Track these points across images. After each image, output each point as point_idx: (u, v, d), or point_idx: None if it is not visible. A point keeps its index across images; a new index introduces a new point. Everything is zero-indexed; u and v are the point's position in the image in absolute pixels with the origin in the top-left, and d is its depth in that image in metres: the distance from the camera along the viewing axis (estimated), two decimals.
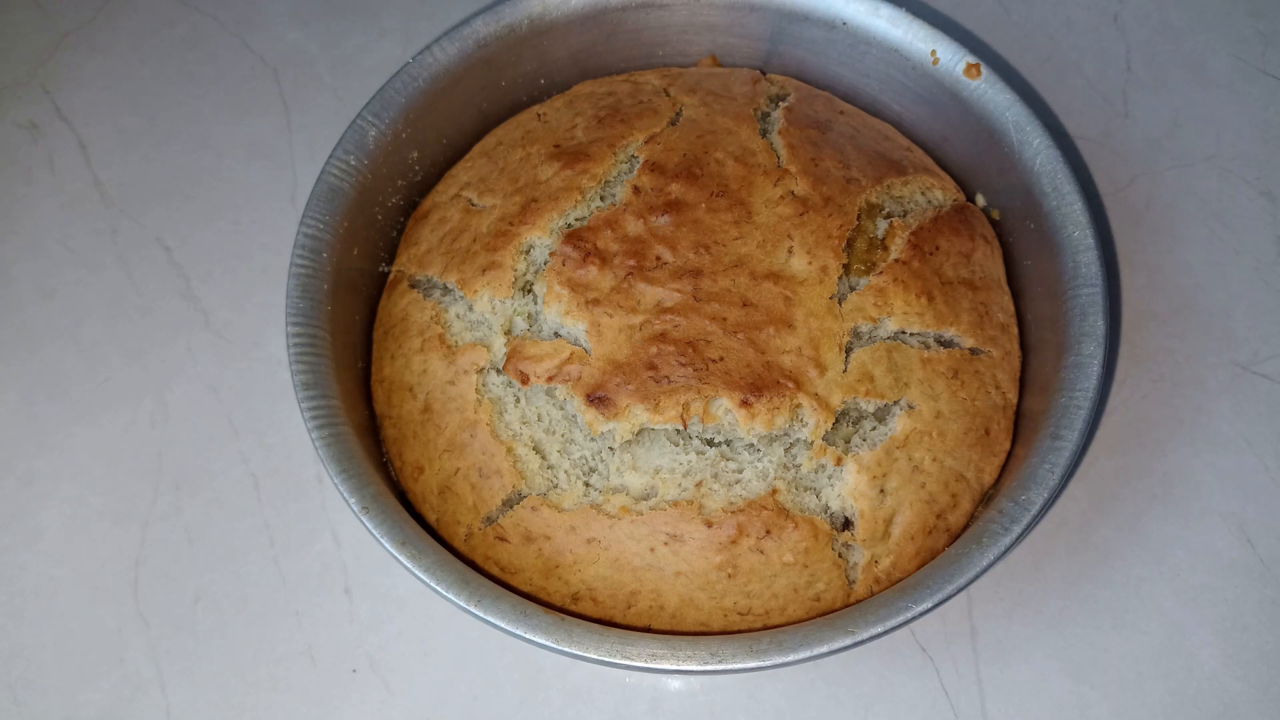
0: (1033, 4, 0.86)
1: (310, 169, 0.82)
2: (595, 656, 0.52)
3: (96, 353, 0.75)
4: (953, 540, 0.60)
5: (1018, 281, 0.67)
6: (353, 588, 0.67)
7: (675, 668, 0.52)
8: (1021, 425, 0.63)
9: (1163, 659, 0.64)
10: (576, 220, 0.62)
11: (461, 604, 0.53)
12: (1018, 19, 0.86)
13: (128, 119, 0.85)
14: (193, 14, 0.89)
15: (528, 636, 0.53)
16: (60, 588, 0.68)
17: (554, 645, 0.52)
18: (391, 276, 0.68)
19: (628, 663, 0.52)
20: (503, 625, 0.53)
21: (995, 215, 0.69)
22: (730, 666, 0.52)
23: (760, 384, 0.56)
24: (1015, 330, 0.65)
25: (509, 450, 0.59)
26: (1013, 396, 0.63)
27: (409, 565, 0.54)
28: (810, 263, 0.60)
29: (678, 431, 0.57)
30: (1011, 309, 0.66)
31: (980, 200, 0.70)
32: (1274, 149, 0.79)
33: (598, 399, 0.57)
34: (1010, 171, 0.65)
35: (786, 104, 0.68)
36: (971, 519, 0.61)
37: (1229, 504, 0.68)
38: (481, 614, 0.53)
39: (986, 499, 0.61)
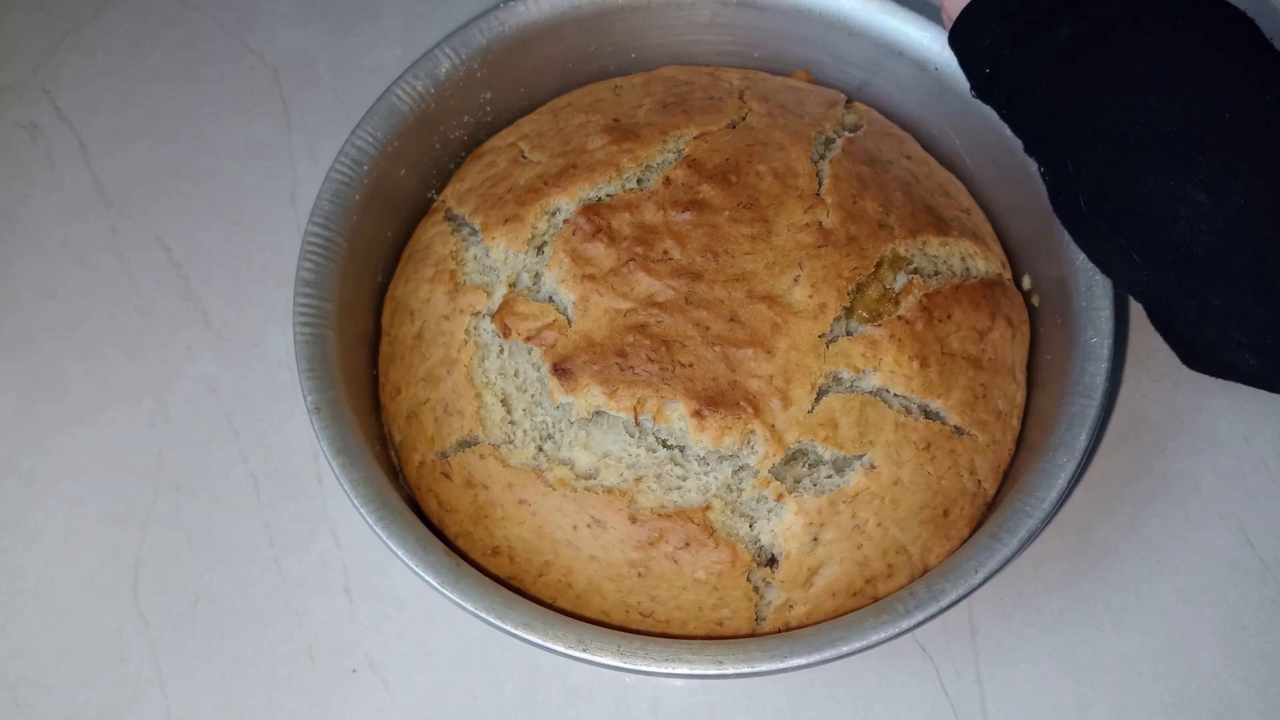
0: None
1: (310, 168, 0.82)
2: (471, 609, 0.53)
3: (96, 352, 0.75)
4: None
5: (1038, 374, 0.65)
6: (353, 588, 0.67)
7: (542, 643, 0.53)
8: (988, 516, 0.61)
9: (1163, 659, 0.64)
10: (606, 195, 0.62)
11: (370, 520, 0.55)
12: None
13: (127, 119, 0.85)
14: (192, 14, 0.89)
15: (417, 570, 0.54)
16: (60, 588, 0.68)
17: (439, 586, 0.54)
18: (434, 205, 0.70)
19: (499, 624, 0.53)
20: (399, 552, 0.55)
21: (1035, 302, 0.67)
22: (593, 658, 0.53)
23: (718, 400, 0.56)
24: (1015, 423, 0.63)
25: (478, 395, 0.60)
26: (989, 487, 0.61)
27: (337, 471, 0.56)
28: (811, 296, 0.59)
29: (638, 425, 0.57)
30: (1018, 400, 0.64)
31: (1026, 282, 0.68)
32: None
33: (562, 370, 0.58)
34: (1057, 263, 0.63)
35: (852, 135, 0.67)
36: None
37: (1229, 504, 0.68)
38: (385, 536, 0.55)
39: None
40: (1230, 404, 0.71)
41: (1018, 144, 0.62)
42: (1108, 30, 0.55)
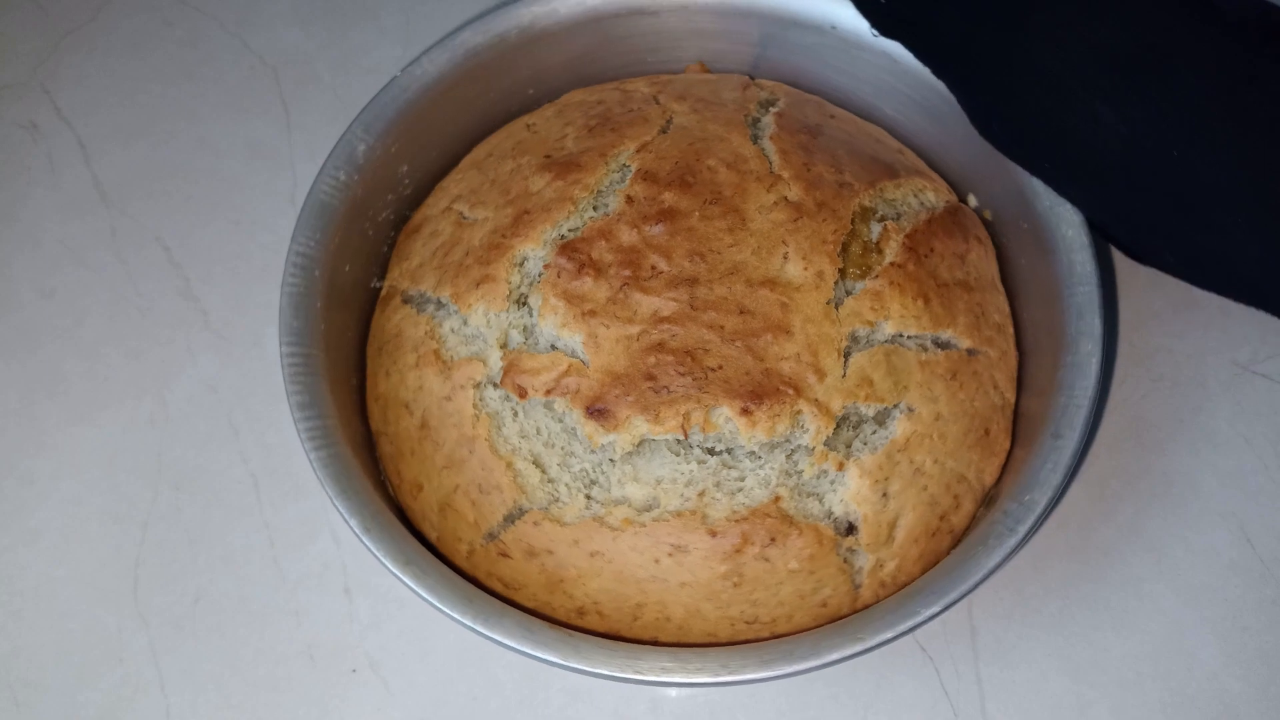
0: None
1: (310, 168, 0.82)
2: (605, 672, 0.52)
3: (96, 352, 0.75)
4: (956, 542, 0.60)
5: (1012, 282, 0.67)
6: (353, 588, 0.67)
7: (686, 680, 0.52)
8: (1020, 427, 0.63)
9: (1163, 659, 0.64)
10: (570, 231, 0.61)
11: (467, 622, 0.53)
12: None
13: (127, 118, 0.85)
14: (192, 14, 0.89)
15: (535, 654, 0.52)
16: (60, 588, 0.68)
17: (562, 662, 0.52)
18: (384, 292, 0.68)
19: (638, 677, 0.52)
20: (509, 643, 0.53)
21: (988, 216, 0.69)
22: (741, 677, 0.52)
23: (760, 392, 0.56)
24: (1011, 330, 0.66)
25: (509, 465, 0.58)
26: (1010, 396, 0.64)
27: (412, 585, 0.54)
28: (806, 268, 0.59)
29: (678, 441, 0.57)
30: (1006, 309, 0.66)
31: (972, 201, 0.70)
32: None
33: (597, 411, 0.56)
34: (1003, 174, 0.65)
35: (777, 109, 0.68)
36: (974, 520, 0.61)
37: (1229, 504, 0.68)
38: (487, 632, 0.53)
39: (988, 499, 0.61)
40: (1230, 404, 0.71)
41: (929, 76, 0.66)
42: None
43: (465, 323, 0.62)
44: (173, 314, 0.77)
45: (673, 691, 0.64)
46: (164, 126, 0.84)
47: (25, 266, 0.79)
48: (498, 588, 0.59)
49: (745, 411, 0.56)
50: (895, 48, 0.67)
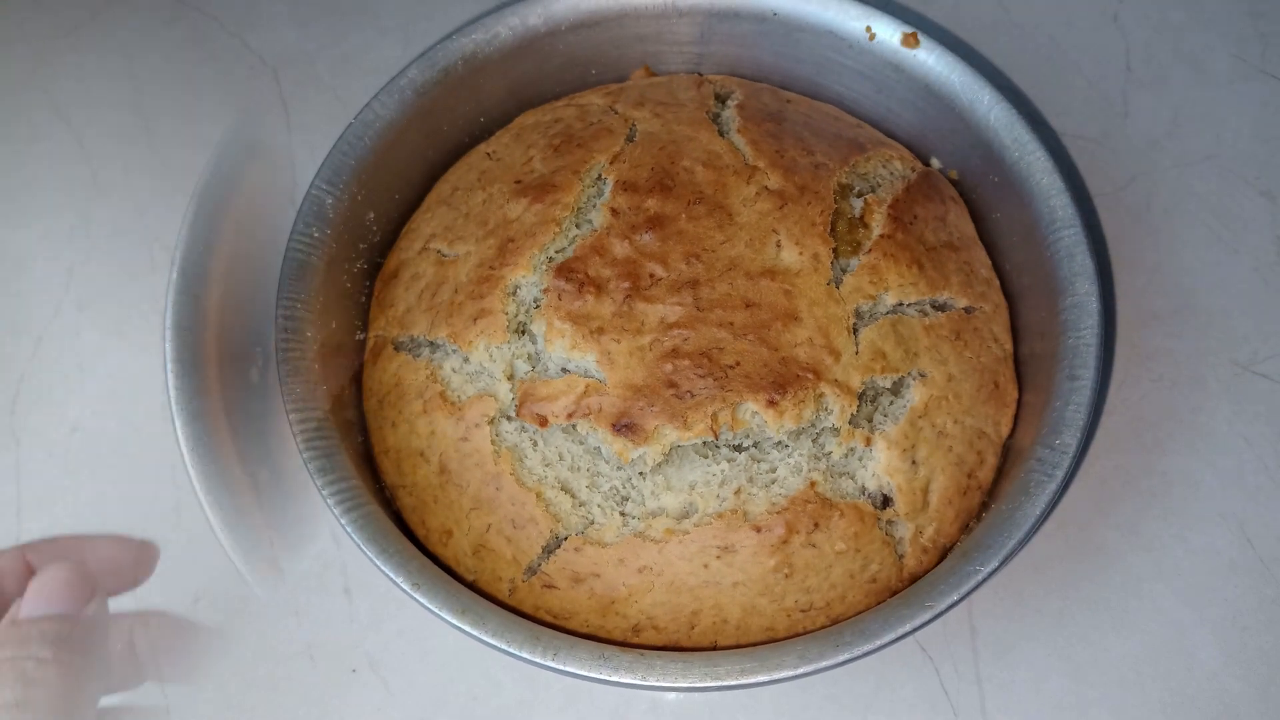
0: (1033, 3, 0.86)
1: (310, 169, 0.81)
2: (686, 685, 0.52)
3: (97, 351, 0.75)
4: (986, 496, 0.61)
5: (988, 235, 0.69)
6: (353, 588, 0.67)
7: (769, 678, 0.52)
8: (1024, 372, 0.64)
9: (1163, 659, 0.64)
10: (558, 253, 0.61)
11: (538, 660, 0.53)
12: (1018, 19, 0.86)
13: (127, 119, 0.84)
14: (192, 13, 0.89)
15: (615, 679, 0.53)
16: None
17: (641, 682, 0.52)
18: (371, 343, 0.67)
19: (719, 683, 0.52)
20: (585, 674, 0.53)
21: (954, 175, 0.71)
22: (821, 665, 0.52)
23: (782, 381, 0.57)
24: (997, 282, 0.67)
25: (538, 495, 0.58)
26: (1009, 346, 0.65)
27: (473, 632, 0.54)
28: (801, 253, 0.60)
29: (705, 444, 0.57)
30: (989, 262, 0.68)
31: (935, 163, 0.71)
32: (1274, 149, 0.79)
33: (624, 426, 0.56)
34: (964, 131, 0.67)
35: (736, 101, 0.69)
36: (998, 472, 0.62)
37: (1229, 504, 0.68)
38: (559, 666, 0.53)
39: (1006, 450, 0.62)
40: (1230, 404, 0.71)
41: (883, 51, 0.68)
42: None
43: (466, 360, 0.61)
44: (173, 314, 0.77)
45: (671, 695, 0.64)
46: (164, 127, 0.84)
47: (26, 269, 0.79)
48: (547, 620, 0.58)
49: (771, 403, 0.56)
50: (838, 24, 0.69)
